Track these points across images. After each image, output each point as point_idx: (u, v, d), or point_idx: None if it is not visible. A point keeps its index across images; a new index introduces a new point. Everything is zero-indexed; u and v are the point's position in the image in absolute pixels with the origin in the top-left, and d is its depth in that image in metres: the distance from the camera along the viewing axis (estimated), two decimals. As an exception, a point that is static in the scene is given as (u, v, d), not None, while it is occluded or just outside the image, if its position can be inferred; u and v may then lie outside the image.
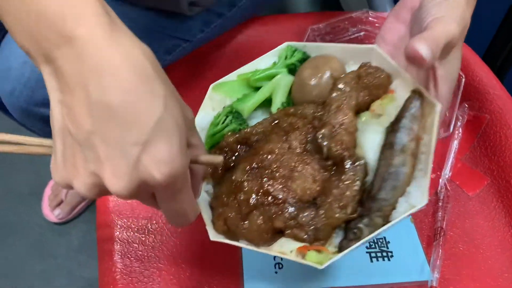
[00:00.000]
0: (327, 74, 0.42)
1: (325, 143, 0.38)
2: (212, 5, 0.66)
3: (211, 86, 0.45)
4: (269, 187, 0.38)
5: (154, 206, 0.31)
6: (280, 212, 0.37)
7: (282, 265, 0.47)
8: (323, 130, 0.38)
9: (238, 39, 0.73)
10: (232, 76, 0.46)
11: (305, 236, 0.36)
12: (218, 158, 0.34)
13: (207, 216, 0.39)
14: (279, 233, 0.38)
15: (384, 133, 0.39)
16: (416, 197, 0.36)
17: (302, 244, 0.37)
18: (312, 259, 0.35)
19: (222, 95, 0.45)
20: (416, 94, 0.39)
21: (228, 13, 0.70)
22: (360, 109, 0.41)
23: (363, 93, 0.40)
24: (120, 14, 0.29)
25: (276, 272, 0.47)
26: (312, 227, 0.36)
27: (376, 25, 0.67)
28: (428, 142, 0.37)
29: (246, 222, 0.37)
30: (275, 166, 0.39)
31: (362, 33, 0.66)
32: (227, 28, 0.72)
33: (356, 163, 0.37)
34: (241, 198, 0.38)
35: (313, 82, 0.42)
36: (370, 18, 0.67)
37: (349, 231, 0.36)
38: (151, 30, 0.63)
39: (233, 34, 0.73)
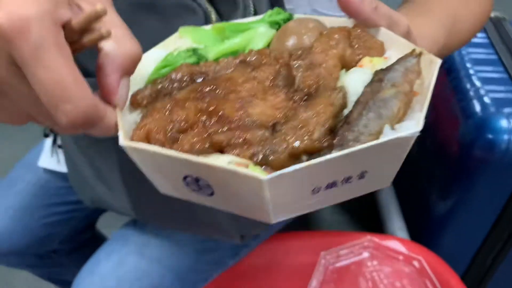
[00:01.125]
0: (314, 25, 0.36)
1: (299, 72, 0.31)
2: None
3: (180, 28, 0.38)
4: (218, 106, 0.29)
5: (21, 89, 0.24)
6: (225, 129, 0.28)
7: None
8: (300, 61, 0.32)
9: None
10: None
11: (252, 154, 0.26)
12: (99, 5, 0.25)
13: (122, 122, 0.28)
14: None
15: (372, 75, 0.31)
16: (408, 126, 0.27)
17: (242, 161, 0.27)
18: (256, 170, 0.26)
19: (189, 41, 0.37)
20: (414, 53, 0.32)
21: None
22: (346, 66, 0.33)
23: (352, 50, 0.34)
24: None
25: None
26: (263, 150, 0.26)
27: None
28: (425, 88, 0.30)
29: (177, 142, 0.28)
30: (232, 89, 0.30)
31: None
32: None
33: (334, 89, 0.30)
34: (178, 115, 0.29)
35: (296, 31, 0.35)
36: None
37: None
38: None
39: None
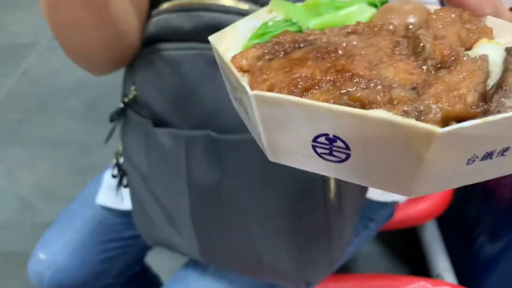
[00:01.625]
0: (420, 6, 0.32)
1: (428, 41, 0.27)
2: None
3: (271, 0, 0.35)
4: (346, 66, 0.25)
5: None
6: (362, 87, 0.24)
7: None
8: (424, 31, 0.28)
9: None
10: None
11: (405, 110, 0.22)
12: None
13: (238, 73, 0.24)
14: None
15: (504, 50, 0.28)
16: None
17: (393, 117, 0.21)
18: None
19: (279, 15, 0.34)
20: None
21: None
22: (463, 46, 0.29)
23: (466, 31, 0.30)
24: None
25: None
26: (414, 108, 0.22)
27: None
28: None
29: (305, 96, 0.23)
30: (354, 53, 0.26)
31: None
32: None
33: (476, 57, 0.26)
34: (301, 72, 0.24)
35: (401, 10, 0.32)
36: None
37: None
38: None
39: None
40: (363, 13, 0.33)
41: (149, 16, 0.55)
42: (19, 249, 0.79)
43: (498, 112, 0.23)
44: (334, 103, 0.22)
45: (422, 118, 0.22)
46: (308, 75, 0.24)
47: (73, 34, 0.50)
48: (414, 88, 0.24)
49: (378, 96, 0.23)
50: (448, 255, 1.08)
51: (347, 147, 0.22)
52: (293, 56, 0.27)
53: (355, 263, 1.30)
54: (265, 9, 0.35)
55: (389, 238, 1.35)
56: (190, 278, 0.67)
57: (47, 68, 2.07)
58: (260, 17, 0.35)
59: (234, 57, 0.28)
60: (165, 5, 0.53)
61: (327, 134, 0.22)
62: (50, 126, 1.81)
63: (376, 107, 0.23)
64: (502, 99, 0.24)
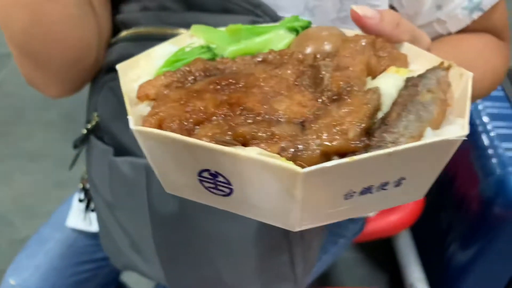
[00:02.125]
0: (336, 33, 0.33)
1: (328, 72, 0.28)
2: None
3: (193, 26, 0.35)
4: (241, 99, 0.25)
5: None
6: (250, 122, 0.24)
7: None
8: (327, 61, 0.28)
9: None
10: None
11: (281, 149, 0.23)
12: None
13: (131, 107, 0.25)
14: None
15: (404, 81, 0.29)
16: (451, 130, 0.25)
17: (271, 155, 0.22)
18: (289, 163, 0.21)
19: (201, 40, 0.35)
20: (442, 66, 0.30)
21: None
22: (371, 74, 0.30)
23: (377, 59, 0.31)
24: None
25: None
26: (294, 145, 0.23)
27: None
28: (462, 96, 0.27)
29: (194, 133, 0.24)
30: (254, 84, 0.27)
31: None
32: None
33: (368, 90, 0.26)
34: (195, 105, 0.25)
35: (317, 37, 0.32)
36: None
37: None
38: None
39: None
40: (281, 39, 0.34)
41: (110, 44, 0.54)
42: None
43: (379, 147, 0.23)
44: (219, 138, 0.23)
45: (300, 154, 0.23)
46: (202, 108, 0.25)
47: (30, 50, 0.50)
48: (302, 122, 0.25)
49: (260, 132, 0.23)
50: (421, 264, 1.09)
51: (228, 182, 0.23)
52: (193, 87, 0.27)
53: (332, 271, 1.31)
54: (187, 33, 0.36)
55: (367, 246, 1.36)
56: None
57: (23, 80, 2.03)
58: (181, 42, 0.35)
59: (141, 86, 0.28)
60: (124, 33, 0.53)
61: (209, 170, 0.23)
62: (27, 139, 1.78)
63: (257, 143, 0.23)
64: (384, 134, 0.25)
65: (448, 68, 0.30)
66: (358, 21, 0.32)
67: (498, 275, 0.91)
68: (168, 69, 0.31)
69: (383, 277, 1.26)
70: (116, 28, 0.55)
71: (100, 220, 0.67)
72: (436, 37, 0.52)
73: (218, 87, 0.27)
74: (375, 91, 0.27)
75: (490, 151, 0.86)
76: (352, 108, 0.25)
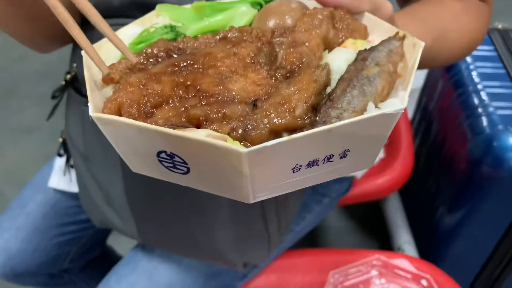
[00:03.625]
0: (296, 6, 0.34)
1: (282, 50, 0.29)
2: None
3: (158, 5, 0.36)
4: (196, 81, 0.27)
5: None
6: (203, 104, 0.26)
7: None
8: (282, 38, 0.29)
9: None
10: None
11: (231, 129, 0.24)
12: None
13: (92, 95, 0.27)
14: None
15: (356, 54, 0.30)
16: (392, 103, 0.26)
17: (219, 135, 0.24)
18: (234, 144, 0.23)
19: (166, 19, 0.35)
20: (397, 36, 0.31)
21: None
22: (329, 47, 0.32)
23: (335, 31, 0.32)
24: None
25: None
26: (243, 125, 0.24)
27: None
28: (408, 70, 0.28)
29: (151, 117, 0.26)
30: (210, 65, 0.28)
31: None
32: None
33: (318, 66, 0.27)
34: (153, 89, 0.26)
35: (278, 11, 0.33)
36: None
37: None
38: None
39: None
40: (243, 15, 0.35)
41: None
42: None
43: (324, 122, 0.25)
44: (176, 119, 0.25)
45: (250, 133, 0.24)
46: (159, 91, 0.26)
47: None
48: (254, 101, 0.26)
49: (212, 114, 0.25)
50: (410, 228, 1.08)
51: (184, 162, 0.25)
52: (152, 70, 0.28)
53: (324, 238, 1.31)
54: (153, 12, 0.36)
55: (358, 212, 1.36)
56: (138, 259, 0.66)
57: (14, 53, 2.01)
58: (146, 22, 0.36)
59: (104, 70, 0.30)
60: None
61: (165, 151, 0.25)
62: (19, 112, 1.77)
63: (210, 125, 0.25)
64: (329, 110, 0.26)
65: (402, 38, 0.31)
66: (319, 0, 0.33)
67: (487, 237, 0.91)
68: (132, 52, 0.31)
69: (374, 243, 1.26)
70: None
71: (78, 175, 0.67)
72: None
73: (176, 69, 0.28)
74: (324, 67, 0.27)
75: (480, 110, 0.84)
76: (301, 85, 0.26)
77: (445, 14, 0.51)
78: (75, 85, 0.59)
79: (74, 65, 0.58)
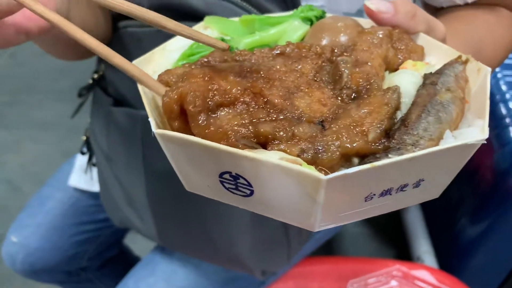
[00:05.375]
0: (351, 23, 0.32)
1: (347, 69, 0.28)
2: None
3: (206, 17, 0.35)
4: (264, 91, 0.25)
5: None
6: (271, 119, 0.25)
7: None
8: (346, 57, 0.28)
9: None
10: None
11: (301, 151, 0.23)
12: None
13: (151, 109, 0.26)
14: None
15: (422, 78, 0.29)
16: (470, 133, 0.25)
17: (291, 158, 0.23)
18: (310, 169, 0.22)
19: (215, 32, 0.34)
20: (460, 60, 0.30)
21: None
22: (388, 67, 0.31)
23: (394, 51, 0.31)
24: None
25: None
26: (314, 147, 0.23)
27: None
28: (481, 94, 0.27)
29: (215, 115, 0.24)
30: (275, 77, 0.27)
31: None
32: None
33: (388, 89, 0.26)
34: (220, 85, 0.25)
35: (333, 28, 0.32)
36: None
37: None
38: None
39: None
40: (295, 30, 0.34)
41: (119, 28, 0.53)
42: (5, 232, 0.80)
43: (399, 149, 0.24)
44: (244, 132, 0.24)
45: (320, 156, 0.23)
46: (227, 89, 0.25)
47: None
48: (322, 122, 0.25)
49: (282, 132, 0.24)
50: (430, 238, 1.06)
51: (249, 184, 0.24)
52: (217, 66, 0.27)
53: (342, 245, 1.29)
54: (201, 24, 0.35)
55: (376, 218, 1.34)
56: (157, 262, 0.66)
57: (36, 49, 2.03)
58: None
59: (160, 75, 0.28)
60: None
61: (230, 172, 0.23)
62: (38, 108, 1.79)
63: (278, 144, 0.24)
64: (404, 136, 0.25)
65: (465, 62, 0.30)
66: (372, 16, 0.32)
67: (510, 250, 0.88)
68: (185, 62, 0.30)
69: (392, 251, 1.24)
70: None
71: (100, 174, 0.67)
72: (452, 6, 0.52)
73: (242, 71, 0.27)
74: (395, 90, 0.26)
75: (508, 120, 0.82)
76: (372, 108, 0.25)
77: (481, 29, 0.51)
78: (101, 84, 0.59)
79: (103, 65, 0.58)
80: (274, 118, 0.25)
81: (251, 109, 0.25)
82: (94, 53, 0.25)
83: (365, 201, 0.24)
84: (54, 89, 1.86)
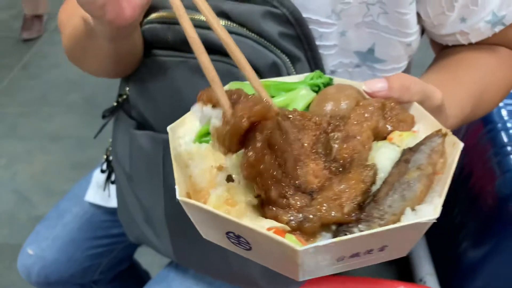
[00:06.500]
0: (351, 93, 0.38)
1: (336, 144, 0.34)
2: None
3: (231, 82, 0.41)
4: (282, 161, 0.32)
5: None
6: (281, 186, 0.31)
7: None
8: (338, 133, 0.35)
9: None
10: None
11: (289, 220, 0.30)
12: None
13: (178, 176, 0.33)
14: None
15: (400, 153, 0.34)
16: (426, 211, 0.30)
17: (280, 226, 0.30)
18: (291, 239, 0.29)
19: None
20: (439, 133, 0.34)
21: None
22: (378, 137, 0.36)
23: (384, 122, 0.36)
24: None
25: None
26: (299, 215, 0.30)
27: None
28: (446, 170, 0.32)
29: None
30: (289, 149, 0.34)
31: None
32: None
33: (366, 166, 0.32)
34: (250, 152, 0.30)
35: (335, 98, 0.38)
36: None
37: (340, 234, 0.30)
38: None
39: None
40: (303, 98, 0.40)
41: (141, 23, 0.56)
42: (14, 241, 0.81)
43: (368, 221, 0.30)
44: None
45: (305, 225, 0.30)
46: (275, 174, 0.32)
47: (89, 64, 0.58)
48: (311, 192, 0.32)
49: (280, 199, 0.31)
50: (432, 260, 1.09)
51: (248, 243, 0.31)
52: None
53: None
54: (226, 87, 0.41)
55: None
56: (171, 278, 0.69)
57: (48, 62, 2.08)
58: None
59: (201, 93, 0.35)
60: (153, 15, 0.55)
61: (234, 232, 0.31)
62: (49, 120, 1.83)
63: (275, 209, 0.31)
64: (372, 210, 0.31)
65: (444, 135, 0.34)
66: (370, 95, 0.37)
67: (510, 274, 0.90)
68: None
69: (393, 271, 1.26)
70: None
71: (119, 191, 0.70)
72: (456, 45, 0.55)
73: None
74: (372, 168, 0.32)
75: (509, 148, 0.85)
76: (351, 183, 0.31)
77: (483, 73, 0.54)
78: (125, 107, 0.62)
79: (127, 88, 0.61)
80: (283, 187, 0.32)
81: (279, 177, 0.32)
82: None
83: (337, 261, 0.30)
84: (65, 101, 1.90)
